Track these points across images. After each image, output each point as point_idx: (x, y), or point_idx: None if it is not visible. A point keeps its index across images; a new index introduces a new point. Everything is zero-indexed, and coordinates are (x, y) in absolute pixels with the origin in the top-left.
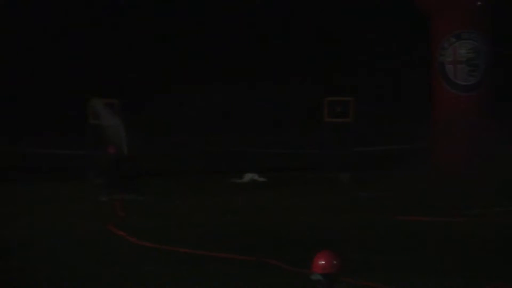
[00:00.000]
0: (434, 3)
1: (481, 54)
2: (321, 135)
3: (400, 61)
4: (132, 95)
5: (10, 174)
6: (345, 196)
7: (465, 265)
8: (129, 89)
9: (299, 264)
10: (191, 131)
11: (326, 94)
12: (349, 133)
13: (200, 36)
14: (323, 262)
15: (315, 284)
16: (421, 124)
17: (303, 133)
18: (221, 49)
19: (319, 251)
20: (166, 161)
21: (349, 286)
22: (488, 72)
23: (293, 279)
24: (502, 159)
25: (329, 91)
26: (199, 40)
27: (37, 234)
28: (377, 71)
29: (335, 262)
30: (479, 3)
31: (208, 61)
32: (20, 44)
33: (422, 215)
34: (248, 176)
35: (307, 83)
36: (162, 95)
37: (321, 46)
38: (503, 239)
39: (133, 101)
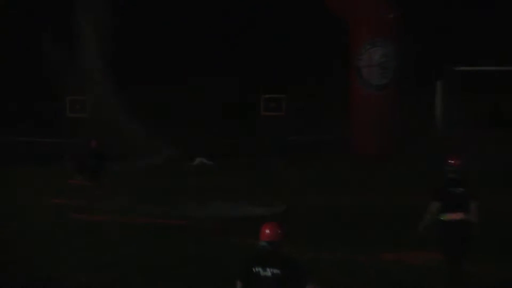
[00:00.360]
0: (351, 14)
1: (391, 58)
2: (258, 126)
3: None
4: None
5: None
6: (277, 178)
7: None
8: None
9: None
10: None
11: (263, 92)
12: (281, 125)
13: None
14: (268, 231)
15: (264, 250)
16: (342, 117)
17: (244, 124)
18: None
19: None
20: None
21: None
22: (396, 74)
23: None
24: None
25: (265, 89)
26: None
27: (16, 211)
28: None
29: (279, 231)
30: (390, 16)
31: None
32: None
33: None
34: (198, 160)
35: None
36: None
37: (261, 55)
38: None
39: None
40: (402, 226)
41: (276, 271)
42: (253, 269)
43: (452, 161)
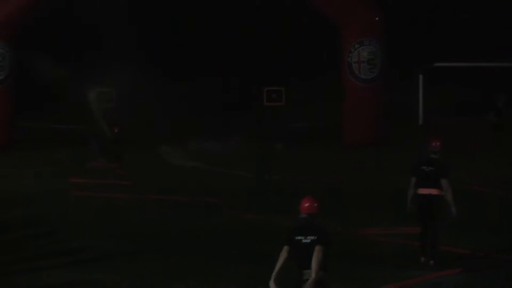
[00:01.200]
0: (342, 18)
1: (378, 56)
2: (261, 115)
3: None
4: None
5: (32, 143)
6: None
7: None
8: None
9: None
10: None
11: (265, 85)
12: (282, 113)
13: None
14: (308, 205)
15: (304, 220)
16: (336, 107)
17: (249, 113)
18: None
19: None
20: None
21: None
22: (382, 69)
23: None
24: None
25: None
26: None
27: (43, 190)
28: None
29: (315, 205)
30: (376, 18)
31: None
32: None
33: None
34: (208, 145)
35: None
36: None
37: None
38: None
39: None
40: (385, 203)
41: (314, 238)
42: (296, 237)
43: (434, 143)
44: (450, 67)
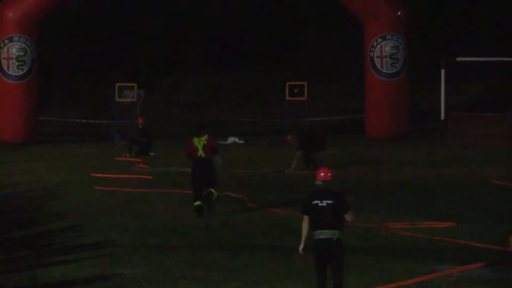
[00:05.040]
0: (365, 13)
1: (400, 50)
2: (283, 109)
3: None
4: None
5: (57, 138)
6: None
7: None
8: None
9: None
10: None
11: (287, 79)
12: (304, 108)
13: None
14: (323, 174)
15: (319, 187)
16: (358, 102)
17: (271, 107)
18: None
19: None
20: (169, 127)
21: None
22: (405, 64)
23: (251, 210)
24: None
25: (289, 77)
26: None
27: (66, 183)
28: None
29: (329, 174)
30: (398, 13)
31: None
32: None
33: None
34: (231, 139)
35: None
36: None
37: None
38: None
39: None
40: (408, 197)
41: (329, 202)
42: (313, 202)
43: None
44: (473, 61)
